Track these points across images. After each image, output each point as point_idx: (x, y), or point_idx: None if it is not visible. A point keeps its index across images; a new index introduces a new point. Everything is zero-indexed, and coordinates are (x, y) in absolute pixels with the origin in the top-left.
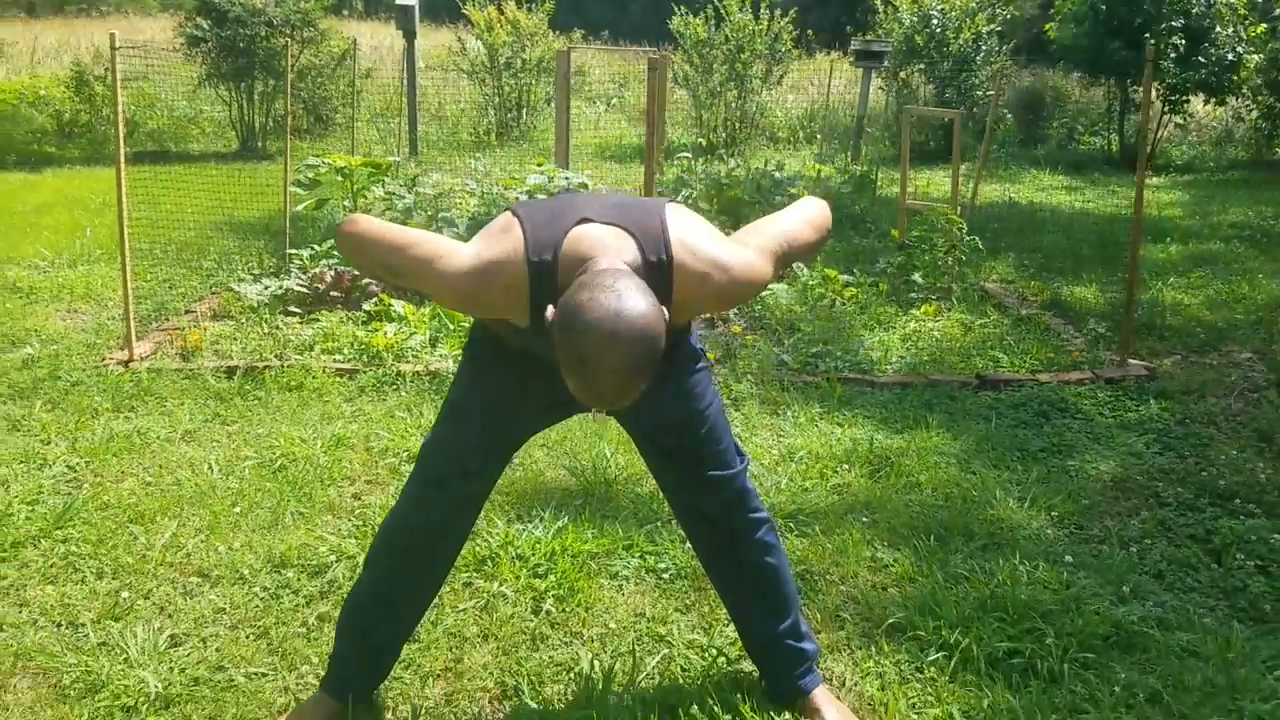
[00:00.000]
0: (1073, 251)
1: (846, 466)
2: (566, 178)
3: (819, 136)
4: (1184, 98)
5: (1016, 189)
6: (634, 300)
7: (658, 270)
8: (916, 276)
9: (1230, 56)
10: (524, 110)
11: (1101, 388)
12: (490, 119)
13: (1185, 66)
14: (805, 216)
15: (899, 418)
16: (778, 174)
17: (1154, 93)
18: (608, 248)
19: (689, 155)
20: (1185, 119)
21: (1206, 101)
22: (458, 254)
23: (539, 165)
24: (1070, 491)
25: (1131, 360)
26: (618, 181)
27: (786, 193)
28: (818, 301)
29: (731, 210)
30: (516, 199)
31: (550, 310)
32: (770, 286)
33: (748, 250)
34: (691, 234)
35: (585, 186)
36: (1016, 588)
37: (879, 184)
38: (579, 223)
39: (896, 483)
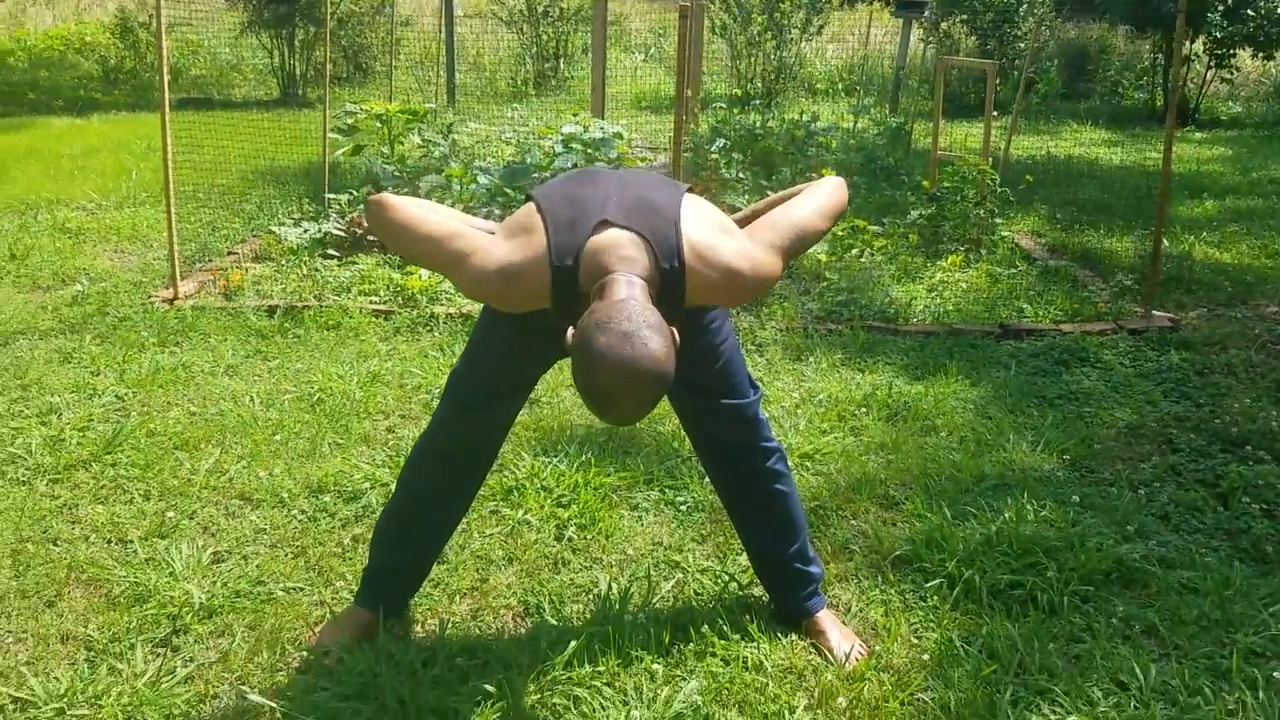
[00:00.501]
0: (1106, 205)
1: (864, 410)
2: (602, 128)
3: (858, 88)
4: (1231, 52)
5: (1055, 143)
6: (647, 348)
7: (671, 276)
8: (946, 227)
9: None
10: (561, 60)
11: (1124, 338)
12: (528, 68)
13: (1233, 20)
14: (819, 206)
15: (920, 365)
16: (813, 125)
17: (1200, 46)
18: (625, 258)
19: (724, 106)
20: (1232, 74)
21: (1254, 56)
22: (484, 255)
23: (575, 115)
24: (1084, 437)
25: (1156, 312)
26: (653, 133)
27: (818, 144)
28: (846, 252)
29: (764, 162)
30: (551, 149)
31: (570, 333)
32: None
33: (758, 250)
34: (704, 238)
35: (620, 137)
36: (1022, 525)
37: (915, 136)
38: (599, 224)
39: (913, 426)
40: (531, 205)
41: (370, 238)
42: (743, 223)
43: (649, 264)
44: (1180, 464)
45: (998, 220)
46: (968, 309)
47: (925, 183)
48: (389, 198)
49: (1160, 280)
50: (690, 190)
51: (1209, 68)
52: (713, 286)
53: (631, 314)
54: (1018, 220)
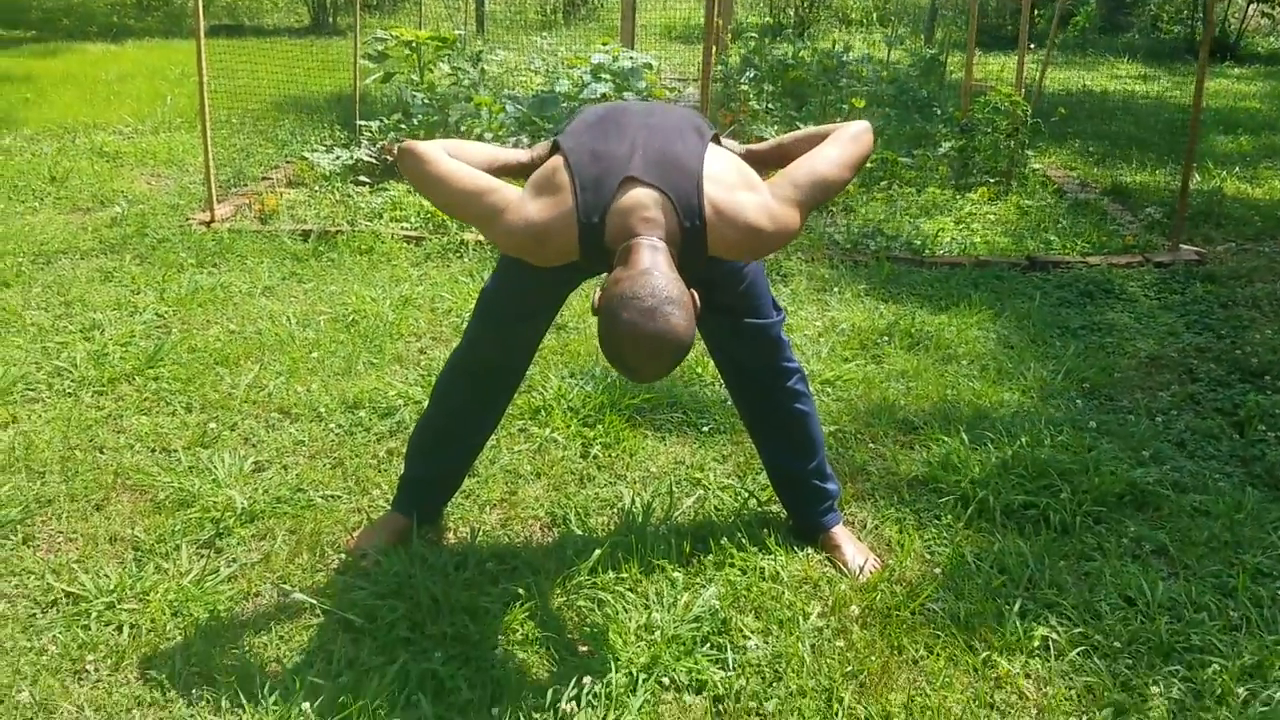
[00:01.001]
0: (1140, 139)
1: (886, 339)
2: (631, 58)
3: (892, 19)
4: None
5: (1092, 76)
6: (669, 321)
7: (692, 233)
8: (976, 159)
9: None
10: None
11: (1150, 271)
12: None
13: None
14: (842, 157)
15: (944, 296)
16: (845, 56)
17: None
18: (648, 219)
19: (755, 36)
20: (1273, 8)
21: None
22: (514, 214)
23: (604, 45)
24: (1104, 366)
25: (1184, 246)
26: (683, 64)
27: (849, 74)
28: (875, 184)
29: (795, 93)
30: (580, 79)
31: (596, 299)
32: None
33: (778, 206)
34: (726, 197)
35: (649, 67)
36: (1038, 449)
37: (949, 68)
38: (624, 182)
39: (934, 355)
40: (559, 160)
41: None
42: (767, 157)
43: (672, 224)
44: (1199, 393)
45: (1029, 152)
46: (995, 241)
47: (957, 114)
48: (421, 148)
49: (1189, 214)
50: (715, 138)
51: (1250, 2)
52: (733, 244)
53: (655, 289)
54: (1050, 153)
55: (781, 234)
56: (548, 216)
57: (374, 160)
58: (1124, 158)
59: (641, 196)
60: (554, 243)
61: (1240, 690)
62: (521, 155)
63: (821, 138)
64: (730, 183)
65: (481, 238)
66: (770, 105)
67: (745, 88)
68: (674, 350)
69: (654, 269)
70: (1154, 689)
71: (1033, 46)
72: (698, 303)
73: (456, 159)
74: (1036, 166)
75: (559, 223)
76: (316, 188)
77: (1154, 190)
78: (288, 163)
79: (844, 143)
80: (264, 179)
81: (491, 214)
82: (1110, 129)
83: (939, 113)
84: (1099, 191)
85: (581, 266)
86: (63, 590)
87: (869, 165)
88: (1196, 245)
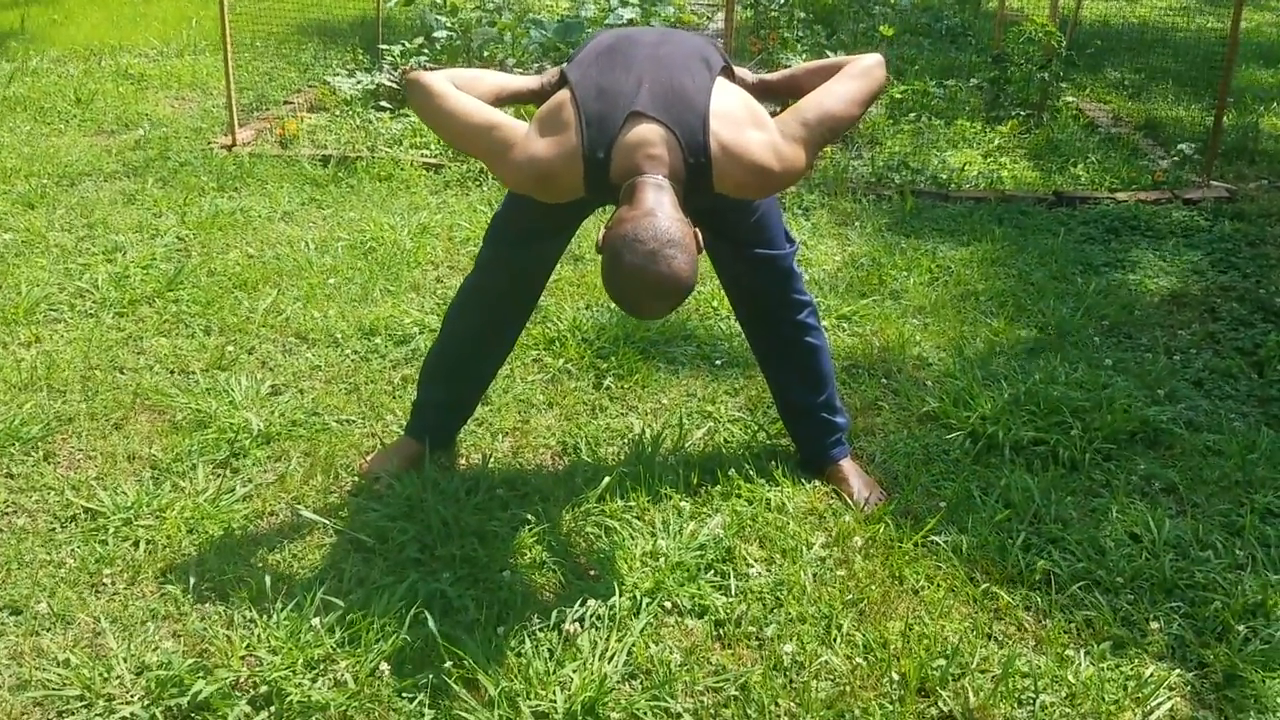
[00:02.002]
0: (1177, 73)
1: (906, 274)
2: None
3: None
4: None
5: (1130, 7)
6: (670, 265)
7: (696, 169)
8: (1009, 91)
9: None
10: None
11: (1178, 208)
12: None
13: None
14: (853, 94)
15: (966, 231)
16: None
17: None
18: (653, 157)
19: None
20: None
21: None
22: (520, 151)
23: None
24: (1125, 303)
25: (1215, 182)
26: None
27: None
28: (904, 116)
29: (826, 20)
30: (607, 3)
31: (600, 238)
32: None
33: (786, 145)
34: (732, 135)
35: None
36: (1052, 386)
37: None
38: (630, 117)
39: (953, 291)
40: (566, 94)
41: None
42: (779, 87)
43: (676, 160)
44: (1219, 332)
45: (1062, 85)
46: (1022, 176)
47: (990, 44)
48: (427, 80)
49: (1223, 150)
50: (726, 69)
51: None
52: (740, 182)
53: (657, 231)
54: (1084, 86)
55: (789, 173)
56: (553, 154)
57: (395, 85)
58: (1160, 92)
59: (647, 132)
60: (559, 180)
61: (1240, 628)
62: (531, 82)
63: (835, 70)
64: (738, 120)
65: None
66: (800, 33)
67: (775, 14)
68: (675, 293)
69: (657, 209)
70: (1153, 624)
71: None
72: (701, 241)
73: (464, 91)
74: (1069, 100)
75: (564, 160)
76: (338, 113)
77: (1188, 125)
78: (310, 87)
79: (855, 77)
80: (286, 103)
81: (497, 151)
82: (1148, 62)
83: (973, 42)
84: (1132, 126)
85: (590, 201)
86: (81, 506)
87: (897, 95)
88: (1228, 182)
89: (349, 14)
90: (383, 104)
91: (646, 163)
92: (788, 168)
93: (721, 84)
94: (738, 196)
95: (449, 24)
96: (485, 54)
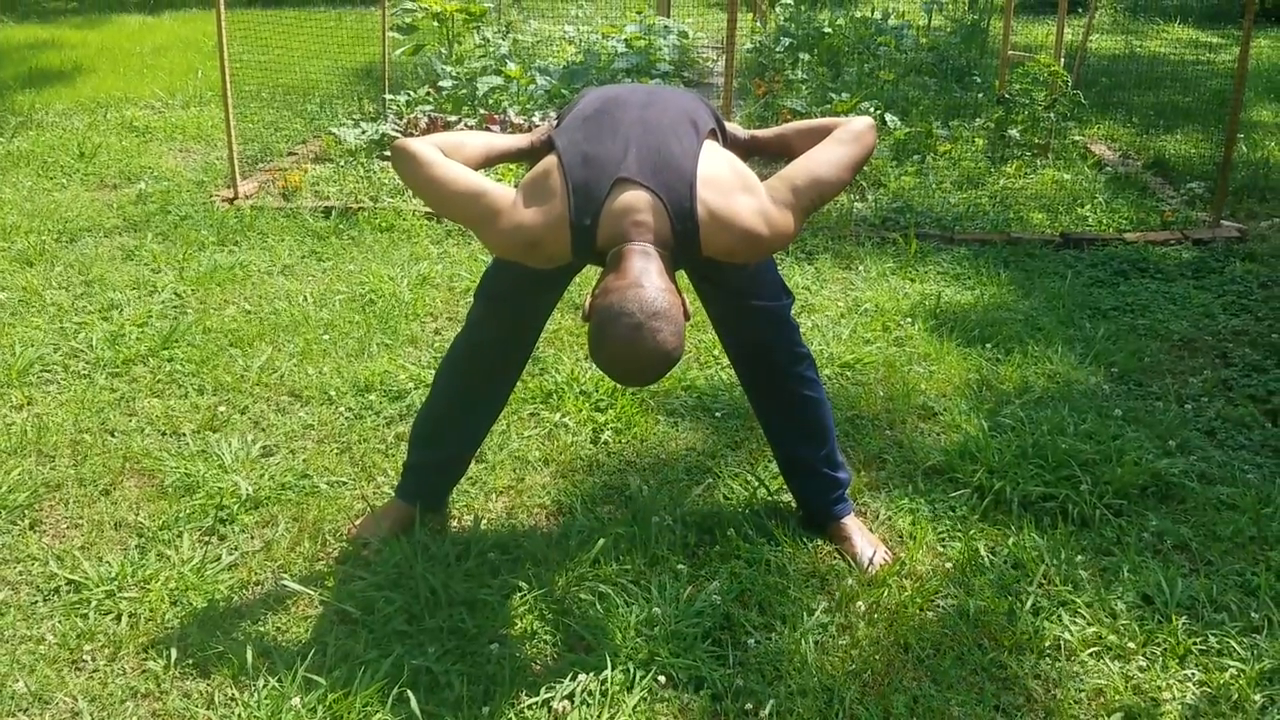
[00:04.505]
0: (1186, 109)
1: (910, 320)
2: (666, 26)
3: None
4: None
5: (1140, 42)
6: (655, 339)
7: (685, 236)
8: (1014, 131)
9: None
10: None
11: (1188, 249)
12: None
13: None
14: (843, 159)
15: (972, 274)
16: (883, 23)
17: None
18: (639, 223)
19: (792, 3)
20: None
21: None
22: (507, 220)
23: (639, 13)
24: (1134, 349)
25: (1225, 221)
26: (719, 30)
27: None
28: (908, 157)
29: (831, 62)
30: (613, 49)
31: (586, 307)
32: None
33: (775, 210)
34: (720, 202)
35: (685, 36)
36: (1060, 438)
37: (992, 35)
38: (616, 184)
39: (959, 337)
40: (553, 161)
41: None
42: (769, 145)
43: (664, 226)
44: (1232, 379)
45: (1069, 124)
46: (1029, 217)
47: (996, 84)
48: (413, 147)
49: (1233, 188)
50: (714, 131)
51: None
52: (728, 249)
53: (643, 303)
54: (1091, 124)
55: (777, 239)
56: (539, 222)
57: (400, 134)
58: (1169, 128)
59: (633, 199)
60: (545, 247)
61: (1257, 696)
62: (521, 141)
63: (826, 131)
64: (726, 185)
65: None
66: (805, 75)
67: (781, 55)
68: (660, 365)
69: (643, 278)
70: (1166, 694)
71: (1079, 11)
72: (689, 310)
73: (452, 157)
74: (1077, 139)
75: (550, 228)
76: (342, 163)
77: (1197, 163)
78: (315, 137)
79: (846, 143)
80: (290, 154)
81: (483, 219)
82: (1157, 98)
83: (978, 81)
84: (1141, 164)
85: (578, 264)
86: (65, 578)
87: (901, 137)
88: (1238, 221)
89: (355, 63)
90: (387, 154)
91: (633, 229)
92: (776, 233)
93: (710, 148)
94: (726, 261)
95: (454, 73)
96: (490, 103)
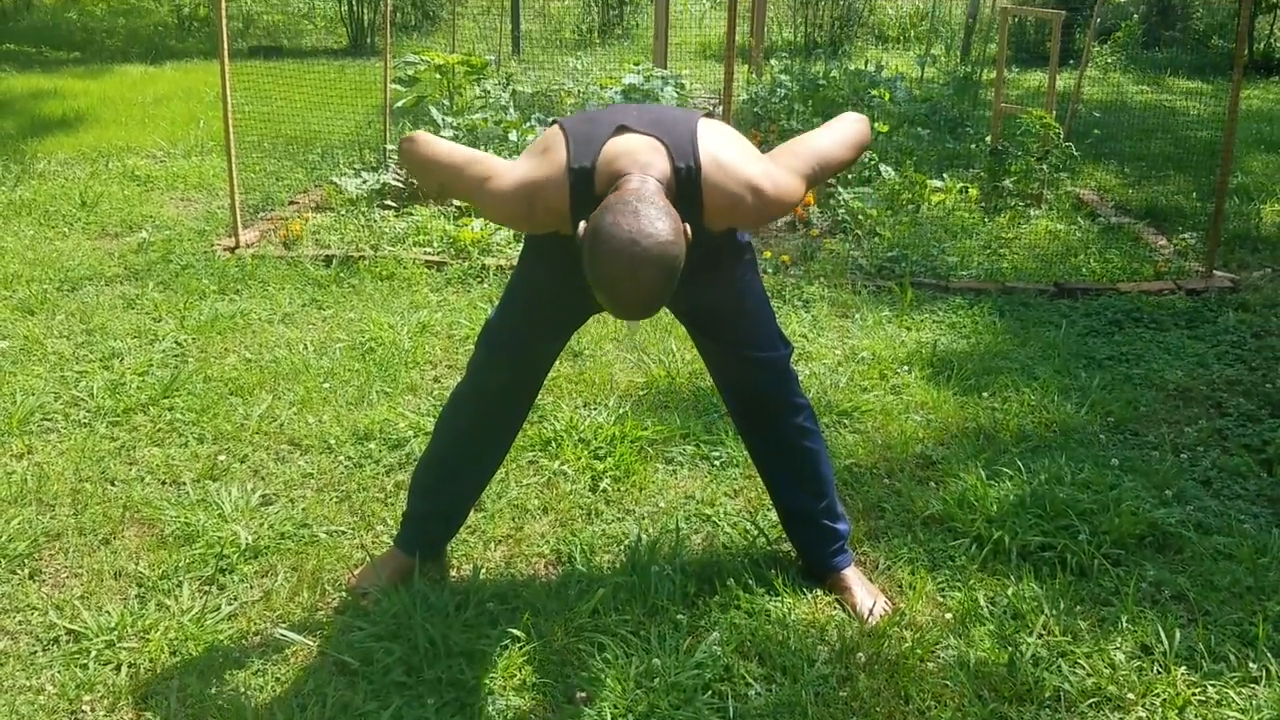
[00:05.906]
0: (1178, 160)
1: (907, 369)
2: (663, 77)
3: (928, 35)
4: None
5: (1131, 92)
6: (654, 225)
7: (686, 179)
8: (1007, 183)
9: None
10: (626, 7)
11: (1182, 299)
12: (594, 16)
13: None
14: (841, 137)
15: (967, 323)
16: (877, 76)
17: None
18: (639, 161)
19: (788, 55)
20: None
21: None
22: (507, 174)
23: (636, 64)
24: (1130, 399)
25: (1218, 272)
26: (716, 81)
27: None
28: (902, 207)
29: (826, 112)
30: (611, 100)
31: (582, 226)
32: (856, 190)
33: (780, 172)
34: (722, 150)
35: (682, 87)
36: (1057, 487)
37: (985, 87)
38: (617, 130)
39: (955, 386)
40: (556, 125)
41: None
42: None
43: (665, 167)
44: (1227, 428)
45: (1061, 175)
46: (1023, 266)
47: (987, 138)
48: (419, 134)
49: (1225, 238)
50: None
51: None
52: (733, 201)
53: (641, 195)
54: (1084, 175)
55: (781, 200)
56: (538, 174)
57: (401, 184)
58: (1160, 179)
59: (633, 141)
60: (543, 199)
61: None
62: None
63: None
64: (728, 139)
65: (502, 262)
66: (801, 125)
67: (777, 105)
68: (658, 258)
69: (644, 188)
70: None
71: (1072, 64)
72: (689, 232)
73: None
74: (1069, 189)
75: (550, 178)
76: (342, 212)
77: (1189, 213)
78: (317, 186)
79: (842, 125)
80: (291, 203)
81: (481, 179)
82: (1148, 149)
83: (971, 132)
84: (1134, 215)
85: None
86: (64, 628)
87: (896, 187)
88: (1231, 271)
89: (359, 113)
90: (388, 203)
91: (633, 166)
92: (780, 191)
93: (707, 119)
94: (728, 223)
95: (455, 124)
96: (491, 152)
